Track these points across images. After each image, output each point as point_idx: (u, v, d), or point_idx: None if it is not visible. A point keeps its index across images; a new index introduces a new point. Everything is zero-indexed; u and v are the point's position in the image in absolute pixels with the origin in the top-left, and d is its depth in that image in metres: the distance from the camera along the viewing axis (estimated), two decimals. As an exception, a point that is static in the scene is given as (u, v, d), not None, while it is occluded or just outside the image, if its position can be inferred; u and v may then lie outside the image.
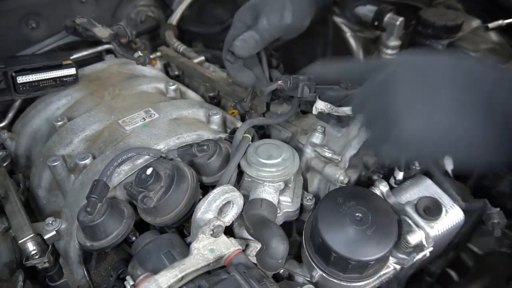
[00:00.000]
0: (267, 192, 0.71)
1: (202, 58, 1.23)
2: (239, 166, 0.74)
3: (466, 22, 1.22)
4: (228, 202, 0.67)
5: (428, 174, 0.92)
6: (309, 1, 0.77)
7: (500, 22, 1.09)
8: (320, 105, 0.77)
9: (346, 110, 0.74)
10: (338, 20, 1.34)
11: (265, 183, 0.71)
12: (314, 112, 0.79)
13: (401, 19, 1.20)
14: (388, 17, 1.19)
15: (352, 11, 1.31)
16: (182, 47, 1.29)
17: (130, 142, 0.78)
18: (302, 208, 0.79)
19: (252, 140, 0.80)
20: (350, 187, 0.79)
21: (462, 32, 1.19)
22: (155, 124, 0.83)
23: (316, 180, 0.87)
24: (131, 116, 0.85)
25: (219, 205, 0.64)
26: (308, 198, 0.79)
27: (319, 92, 0.79)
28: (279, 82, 0.78)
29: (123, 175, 0.73)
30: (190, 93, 1.07)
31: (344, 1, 1.33)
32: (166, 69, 1.30)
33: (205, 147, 0.73)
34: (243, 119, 1.03)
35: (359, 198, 0.69)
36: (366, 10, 1.26)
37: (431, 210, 0.72)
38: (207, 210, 0.64)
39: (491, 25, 1.08)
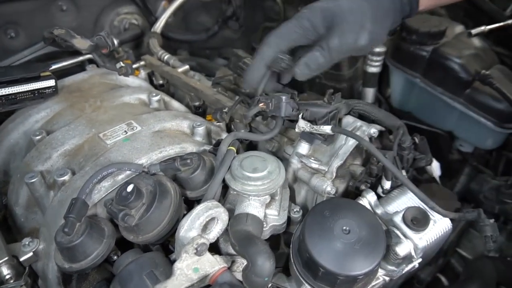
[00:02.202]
0: (253, 206, 0.70)
1: (187, 67, 1.21)
2: (224, 180, 0.72)
3: (450, 28, 1.23)
4: (212, 218, 0.65)
5: (415, 181, 0.91)
6: (392, 20, 0.72)
7: (482, 28, 1.10)
8: (302, 124, 0.76)
9: (327, 129, 0.74)
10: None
11: (250, 197, 0.70)
12: (297, 130, 0.78)
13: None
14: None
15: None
16: (166, 56, 1.27)
17: (111, 157, 0.75)
18: (289, 221, 0.78)
19: (237, 152, 0.78)
20: (336, 199, 0.78)
21: (446, 38, 1.20)
22: (137, 137, 0.80)
23: (303, 191, 0.86)
24: (112, 129, 0.83)
25: (203, 222, 0.62)
26: (295, 210, 0.78)
27: (303, 109, 0.78)
28: (261, 104, 0.77)
29: (103, 192, 0.70)
30: (174, 103, 1.05)
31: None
32: (150, 78, 1.27)
33: (188, 161, 0.71)
34: (228, 129, 1.02)
35: (346, 210, 0.67)
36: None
37: (419, 220, 0.72)
38: (190, 227, 0.62)
39: (473, 31, 1.09)
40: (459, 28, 1.26)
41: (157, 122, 0.85)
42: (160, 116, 0.88)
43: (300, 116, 0.78)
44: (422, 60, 1.17)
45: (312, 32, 0.72)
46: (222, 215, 0.65)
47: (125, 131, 0.82)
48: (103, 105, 0.94)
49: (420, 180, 1.11)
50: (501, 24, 1.13)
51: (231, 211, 0.72)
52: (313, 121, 0.80)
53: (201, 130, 0.85)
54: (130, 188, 0.64)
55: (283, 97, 0.79)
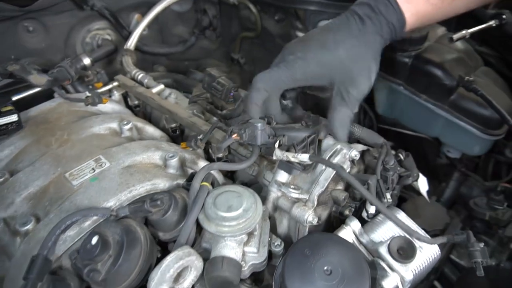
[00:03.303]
0: (229, 247, 0.66)
1: (161, 86, 1.16)
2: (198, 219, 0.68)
3: (432, 30, 1.19)
4: (185, 267, 0.61)
5: (401, 200, 0.88)
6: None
7: (464, 32, 1.06)
8: (278, 153, 0.72)
9: (304, 157, 0.70)
10: (301, 35, 1.29)
11: (226, 237, 0.66)
12: (275, 158, 0.74)
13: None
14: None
15: (315, 26, 1.26)
16: (140, 75, 1.21)
17: (77, 201, 0.71)
18: (271, 254, 0.74)
19: (213, 185, 0.74)
20: (317, 235, 0.73)
21: (428, 41, 1.16)
22: (105, 176, 0.76)
23: (285, 220, 0.82)
24: (79, 168, 0.78)
25: (174, 274, 0.58)
26: (276, 244, 0.74)
27: (280, 134, 0.74)
28: (234, 136, 0.73)
29: (69, 242, 0.66)
30: (149, 129, 1.00)
31: (306, 15, 1.28)
32: (125, 98, 1.22)
33: (158, 202, 0.66)
34: (206, 152, 0.97)
35: (327, 247, 0.63)
36: (330, 25, 1.21)
37: (405, 250, 0.68)
38: (161, 281, 0.57)
39: (455, 36, 1.05)
40: (441, 30, 1.22)
41: (127, 156, 0.81)
42: (130, 148, 0.83)
43: (276, 145, 0.74)
44: (404, 67, 1.13)
45: (305, 83, 0.78)
46: (195, 263, 0.61)
47: (92, 168, 0.78)
48: (70, 138, 0.89)
49: (409, 194, 1.08)
50: (483, 26, 1.09)
51: (207, 251, 0.68)
52: (291, 147, 0.76)
53: (174, 162, 0.81)
54: (94, 240, 0.60)
55: (258, 125, 0.75)
